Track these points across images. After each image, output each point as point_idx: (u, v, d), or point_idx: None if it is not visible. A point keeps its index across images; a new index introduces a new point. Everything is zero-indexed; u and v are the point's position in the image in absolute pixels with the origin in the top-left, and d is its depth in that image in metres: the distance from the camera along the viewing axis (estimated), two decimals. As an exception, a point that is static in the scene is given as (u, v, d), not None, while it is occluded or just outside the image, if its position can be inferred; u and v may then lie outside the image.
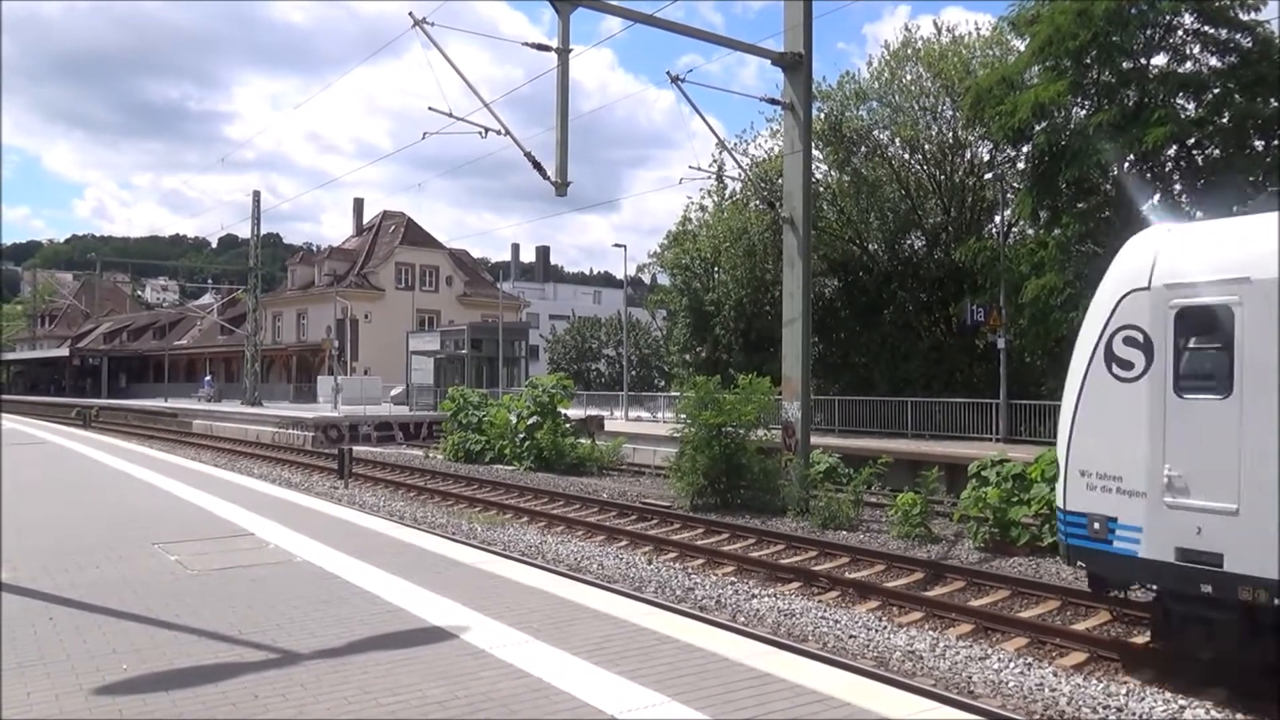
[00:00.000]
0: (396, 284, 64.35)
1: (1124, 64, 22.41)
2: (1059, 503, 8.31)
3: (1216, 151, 22.19)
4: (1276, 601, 6.80)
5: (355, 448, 26.34)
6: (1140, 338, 7.68)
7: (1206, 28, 22.36)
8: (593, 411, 36.65)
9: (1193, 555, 7.20)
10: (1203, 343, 7.42)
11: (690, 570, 12.18)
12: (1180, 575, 7.33)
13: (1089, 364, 8.07)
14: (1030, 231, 26.47)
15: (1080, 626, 9.51)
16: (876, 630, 9.41)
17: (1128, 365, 7.76)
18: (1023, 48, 25.77)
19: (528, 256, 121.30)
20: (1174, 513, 7.35)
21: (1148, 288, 7.71)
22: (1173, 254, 7.73)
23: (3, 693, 5.23)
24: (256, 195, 51.32)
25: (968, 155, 32.75)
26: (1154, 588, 8.10)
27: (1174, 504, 7.34)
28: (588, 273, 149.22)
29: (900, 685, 6.68)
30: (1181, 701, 7.31)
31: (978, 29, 32.68)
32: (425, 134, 18.26)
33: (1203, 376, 7.34)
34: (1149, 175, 22.55)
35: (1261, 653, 7.25)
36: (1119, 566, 7.79)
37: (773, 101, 19.73)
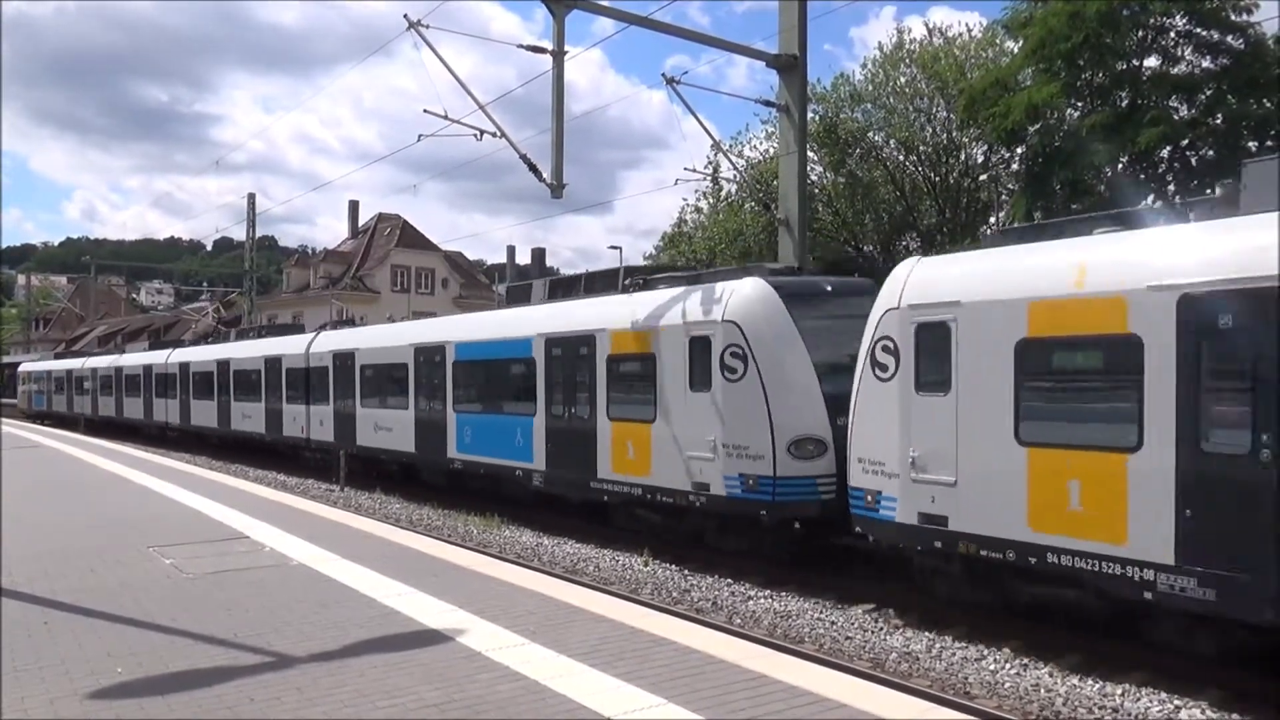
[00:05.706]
0: (392, 286, 64.24)
1: (1117, 66, 22.51)
2: (849, 481, 10.21)
3: (1210, 153, 22.29)
4: (983, 553, 8.56)
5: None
6: (892, 346, 9.54)
7: (1198, 30, 22.46)
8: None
9: (928, 518, 9.13)
10: (931, 351, 9.24)
11: (686, 572, 12.17)
12: (919, 533, 9.25)
13: (861, 368, 9.88)
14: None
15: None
16: (873, 631, 9.41)
17: (885, 368, 9.64)
18: (1016, 50, 25.90)
19: (523, 258, 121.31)
20: (917, 485, 9.23)
21: (898, 307, 9.56)
22: (915, 280, 9.57)
23: (-2, 697, 5.22)
24: (251, 198, 51.10)
25: (962, 156, 32.87)
26: (902, 545, 9.84)
27: (917, 479, 9.22)
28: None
29: (896, 686, 6.70)
30: (1177, 701, 7.32)
31: (969, 30, 32.85)
32: (420, 136, 18.07)
33: (932, 378, 9.18)
34: (1143, 176, 22.64)
35: (975, 595, 9.29)
36: (884, 528, 9.71)
37: (768, 103, 19.75)
